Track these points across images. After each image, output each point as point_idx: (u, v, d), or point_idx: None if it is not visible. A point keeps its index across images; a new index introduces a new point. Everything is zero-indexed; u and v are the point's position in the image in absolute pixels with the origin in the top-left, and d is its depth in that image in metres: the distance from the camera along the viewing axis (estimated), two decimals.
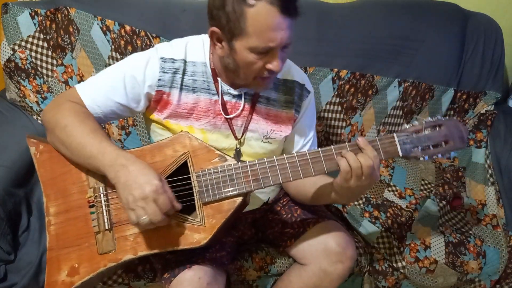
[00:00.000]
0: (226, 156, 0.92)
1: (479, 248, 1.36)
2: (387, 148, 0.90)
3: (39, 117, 1.51)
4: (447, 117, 0.92)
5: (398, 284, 1.34)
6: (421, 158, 0.91)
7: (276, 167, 0.89)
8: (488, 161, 1.56)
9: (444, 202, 1.50)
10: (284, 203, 1.22)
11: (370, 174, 0.86)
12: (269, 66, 0.90)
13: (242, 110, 1.05)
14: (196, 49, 1.02)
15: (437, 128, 0.92)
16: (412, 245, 1.34)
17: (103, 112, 0.97)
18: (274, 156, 0.90)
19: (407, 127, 0.92)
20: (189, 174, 0.91)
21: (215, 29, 0.89)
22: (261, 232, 1.25)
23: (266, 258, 1.21)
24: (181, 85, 1.00)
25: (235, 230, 1.18)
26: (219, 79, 1.02)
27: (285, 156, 0.90)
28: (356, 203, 1.47)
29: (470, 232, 1.42)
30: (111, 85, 0.96)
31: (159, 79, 0.98)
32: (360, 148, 0.88)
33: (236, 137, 1.06)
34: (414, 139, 0.91)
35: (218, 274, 0.98)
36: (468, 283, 1.38)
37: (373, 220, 1.40)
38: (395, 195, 1.53)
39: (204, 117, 1.02)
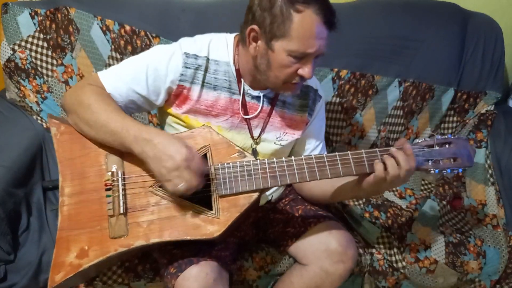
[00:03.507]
0: (245, 152, 0.94)
1: (479, 248, 1.36)
2: None
3: (39, 117, 1.50)
4: (457, 136, 0.97)
5: (398, 284, 1.34)
6: (432, 171, 0.95)
7: (293, 167, 0.92)
8: (488, 161, 1.56)
9: (444, 202, 1.50)
10: (285, 202, 1.23)
11: (405, 178, 0.91)
12: (301, 72, 0.93)
13: (260, 111, 1.07)
14: (219, 48, 1.03)
15: (447, 146, 0.96)
16: (412, 245, 1.34)
17: (124, 101, 0.98)
18: (293, 157, 0.93)
19: (419, 141, 0.96)
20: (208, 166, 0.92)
21: (255, 27, 0.91)
22: (262, 232, 1.25)
23: (267, 258, 1.21)
24: (203, 82, 1.02)
25: (237, 231, 1.18)
26: (242, 79, 1.03)
27: (303, 157, 0.92)
28: (356, 203, 1.47)
29: (470, 232, 1.42)
30: (134, 76, 0.97)
31: (181, 74, 0.99)
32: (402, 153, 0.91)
33: (253, 137, 1.08)
34: (426, 152, 0.95)
35: (223, 271, 0.98)
36: (468, 283, 1.38)
37: (373, 220, 1.40)
38: (395, 195, 1.53)
39: (223, 115, 1.05)
